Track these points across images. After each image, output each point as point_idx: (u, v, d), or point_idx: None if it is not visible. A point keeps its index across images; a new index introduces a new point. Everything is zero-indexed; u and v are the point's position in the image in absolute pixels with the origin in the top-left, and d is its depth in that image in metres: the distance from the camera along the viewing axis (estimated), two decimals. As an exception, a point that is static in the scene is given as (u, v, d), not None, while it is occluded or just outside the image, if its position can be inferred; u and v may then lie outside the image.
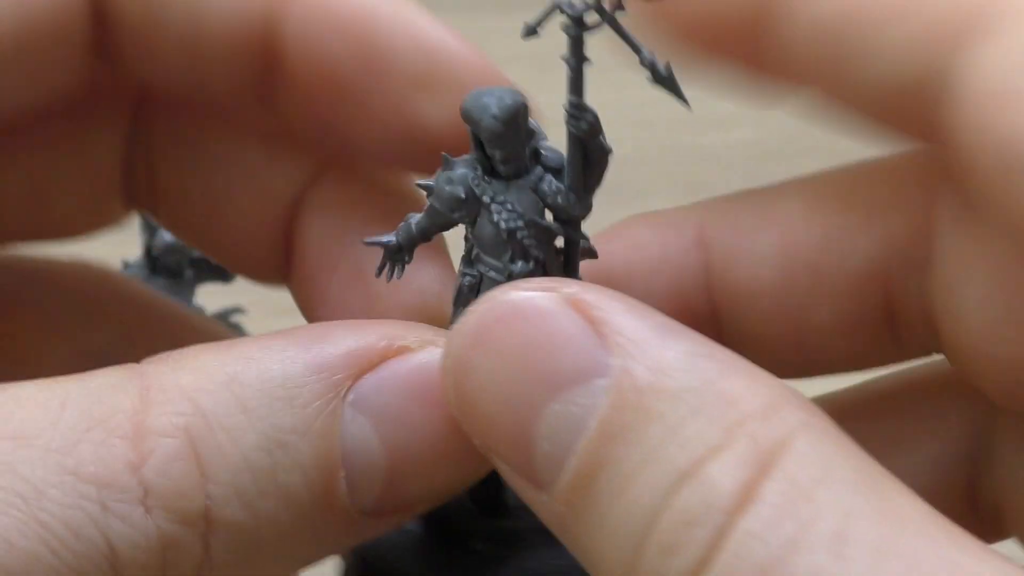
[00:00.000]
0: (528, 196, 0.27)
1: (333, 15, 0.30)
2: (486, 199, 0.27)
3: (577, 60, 0.27)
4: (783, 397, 0.23)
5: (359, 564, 0.31)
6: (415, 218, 0.28)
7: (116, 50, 0.33)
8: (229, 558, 0.23)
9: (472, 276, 0.28)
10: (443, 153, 0.28)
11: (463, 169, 0.28)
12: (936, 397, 0.32)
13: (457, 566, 0.29)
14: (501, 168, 0.27)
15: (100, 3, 0.32)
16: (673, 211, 0.32)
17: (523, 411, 0.24)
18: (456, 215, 0.29)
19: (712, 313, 0.31)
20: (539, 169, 0.28)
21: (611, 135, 0.32)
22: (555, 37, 0.78)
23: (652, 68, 0.27)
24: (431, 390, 0.26)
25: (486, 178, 0.28)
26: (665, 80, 0.27)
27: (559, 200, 0.27)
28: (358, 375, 0.25)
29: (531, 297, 0.25)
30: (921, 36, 0.26)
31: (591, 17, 0.27)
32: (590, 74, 0.29)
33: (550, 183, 0.28)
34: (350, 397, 0.25)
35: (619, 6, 0.26)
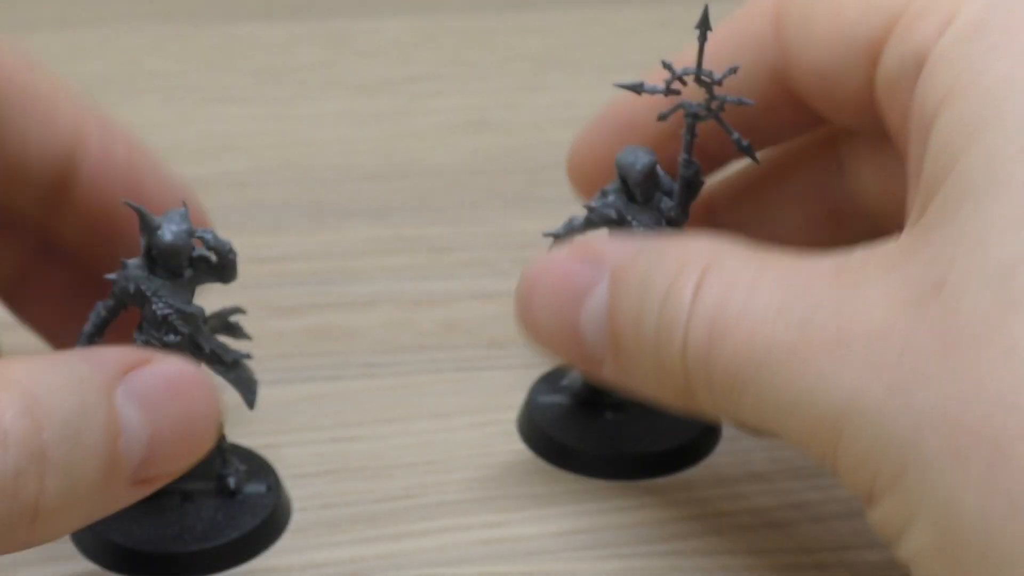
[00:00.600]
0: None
1: (114, 166, 0.41)
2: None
3: (690, 136, 0.39)
4: (712, 240, 0.35)
5: (528, 425, 0.43)
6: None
7: None
8: (57, 494, 0.31)
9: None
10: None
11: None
12: (805, 149, 0.43)
13: (594, 428, 0.42)
14: (639, 196, 0.39)
15: None
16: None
17: (568, 319, 0.37)
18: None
19: (791, 95, 0.39)
20: (658, 195, 0.39)
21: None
22: (555, 37, 0.78)
23: (739, 146, 0.38)
24: (179, 384, 0.34)
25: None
26: (747, 149, 0.38)
27: (672, 214, 0.39)
28: (127, 370, 0.33)
29: (556, 254, 0.38)
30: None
31: (703, 112, 0.39)
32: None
33: (666, 202, 0.39)
34: (122, 386, 0.33)
35: (722, 108, 0.38)
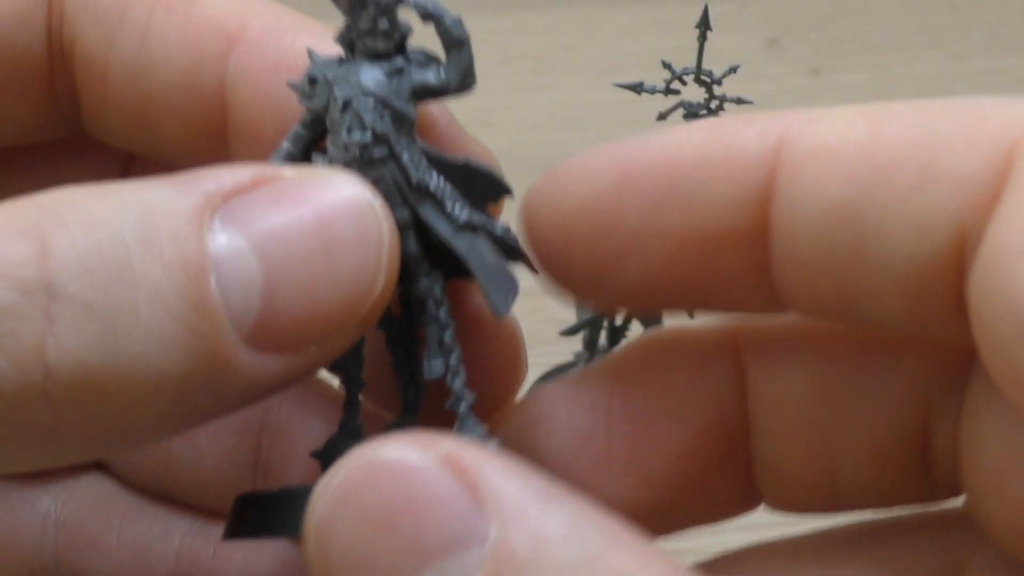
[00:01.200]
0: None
1: (274, 69, 0.30)
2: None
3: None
4: (674, 574, 0.22)
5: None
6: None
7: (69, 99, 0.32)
8: (79, 338, 0.23)
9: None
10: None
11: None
12: (890, 351, 0.29)
13: None
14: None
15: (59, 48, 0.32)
16: (704, 323, 0.30)
17: None
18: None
19: (746, 431, 0.29)
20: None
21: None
22: (555, 37, 0.78)
23: None
24: (307, 203, 0.25)
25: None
26: None
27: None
28: (229, 196, 0.25)
29: (401, 455, 0.23)
30: (952, 200, 0.24)
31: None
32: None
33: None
34: (220, 212, 0.24)
35: (721, 107, 0.34)
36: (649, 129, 0.44)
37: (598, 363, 0.30)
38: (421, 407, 0.29)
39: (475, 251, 0.28)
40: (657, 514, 0.29)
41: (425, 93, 0.28)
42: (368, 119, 0.27)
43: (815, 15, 0.81)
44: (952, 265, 0.24)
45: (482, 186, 0.29)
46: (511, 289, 0.28)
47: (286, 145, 0.29)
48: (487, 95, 0.69)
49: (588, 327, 0.41)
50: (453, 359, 0.28)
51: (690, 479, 0.29)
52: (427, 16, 0.28)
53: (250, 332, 0.24)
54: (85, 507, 0.33)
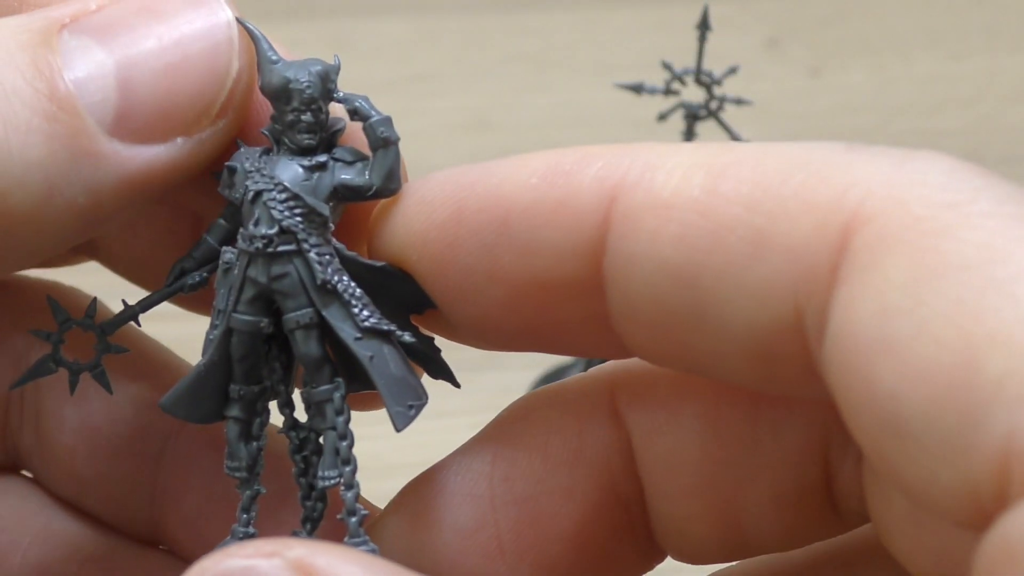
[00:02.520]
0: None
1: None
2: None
3: (690, 136, 0.34)
4: None
5: None
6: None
7: None
8: None
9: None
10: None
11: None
12: (781, 397, 0.28)
13: None
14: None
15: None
16: (578, 382, 0.30)
17: None
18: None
19: (640, 494, 0.29)
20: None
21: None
22: (555, 37, 0.78)
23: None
24: (153, 5, 0.27)
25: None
26: None
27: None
28: (76, 17, 0.27)
29: (250, 564, 0.22)
30: (787, 273, 0.24)
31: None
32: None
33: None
34: (68, 27, 0.26)
35: (721, 107, 0.33)
36: (649, 129, 0.44)
37: (475, 440, 0.29)
38: (322, 519, 0.29)
39: (379, 359, 0.27)
40: None
41: (347, 192, 0.28)
42: (276, 213, 0.27)
43: (815, 15, 0.81)
44: (794, 335, 0.24)
45: (405, 295, 0.28)
46: (415, 401, 0.28)
47: (206, 236, 0.29)
48: (487, 95, 0.69)
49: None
50: (347, 472, 0.28)
51: (588, 554, 0.28)
52: (354, 114, 0.27)
53: (111, 122, 0.26)
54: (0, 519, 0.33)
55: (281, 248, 0.27)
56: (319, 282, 0.27)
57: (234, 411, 0.28)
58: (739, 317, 0.24)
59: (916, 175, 0.23)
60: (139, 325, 0.29)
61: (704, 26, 0.37)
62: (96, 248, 0.33)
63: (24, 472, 0.34)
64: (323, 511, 0.29)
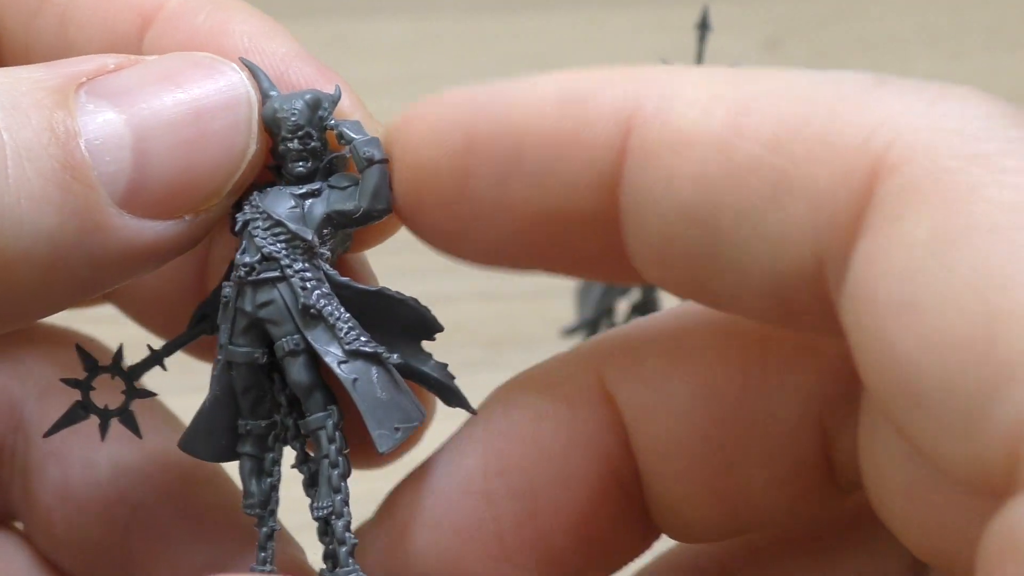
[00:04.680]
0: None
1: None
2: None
3: None
4: None
5: None
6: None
7: None
8: None
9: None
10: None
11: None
12: (774, 371, 0.28)
13: None
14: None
15: None
16: (562, 364, 0.29)
17: None
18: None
19: (637, 473, 0.28)
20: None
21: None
22: (555, 38, 0.78)
23: None
24: (174, 75, 0.26)
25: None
26: None
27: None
28: (94, 75, 0.26)
29: None
30: (809, 221, 0.23)
31: None
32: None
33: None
34: (85, 87, 0.25)
35: None
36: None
37: (461, 436, 0.29)
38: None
39: (364, 382, 0.27)
40: None
41: (339, 218, 0.28)
42: (259, 240, 0.27)
43: (815, 15, 0.81)
44: (813, 282, 0.24)
45: (412, 320, 0.28)
46: (403, 423, 0.27)
47: (224, 281, 0.28)
48: (487, 95, 0.69)
49: (588, 327, 0.41)
50: (337, 501, 0.28)
51: (590, 542, 0.28)
52: (341, 138, 0.28)
53: (123, 194, 0.25)
54: None
55: (264, 275, 0.27)
56: (300, 306, 0.27)
57: (245, 447, 0.28)
58: (757, 261, 0.24)
59: (948, 120, 0.22)
60: (165, 369, 0.29)
61: (704, 26, 0.37)
62: (111, 292, 0.33)
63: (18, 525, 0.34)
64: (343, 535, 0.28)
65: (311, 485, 0.28)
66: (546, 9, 0.81)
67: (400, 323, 0.28)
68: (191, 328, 0.29)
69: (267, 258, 0.27)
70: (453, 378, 0.29)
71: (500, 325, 0.48)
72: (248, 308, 0.28)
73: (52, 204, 0.24)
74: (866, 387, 0.23)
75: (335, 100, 0.28)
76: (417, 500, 0.28)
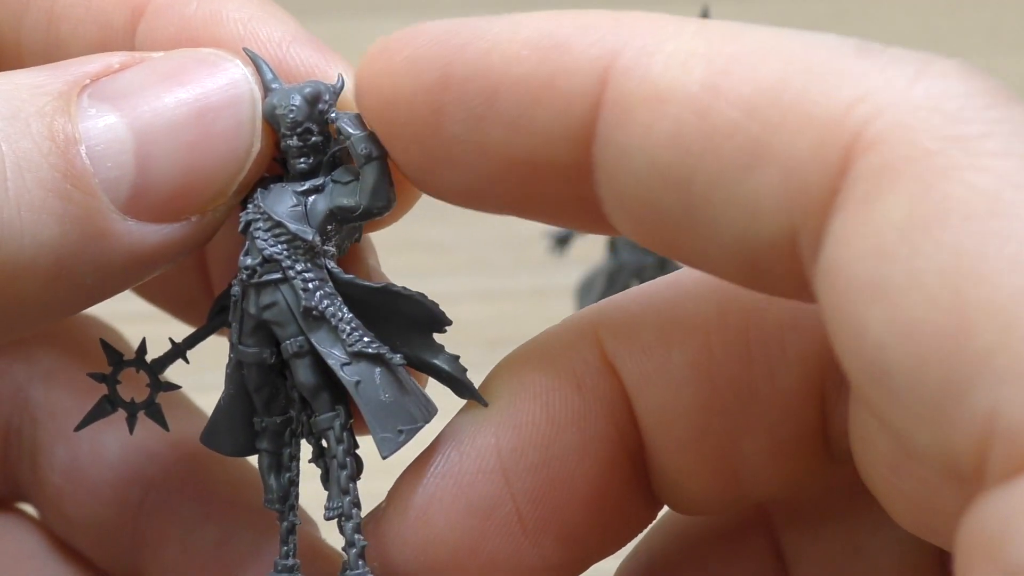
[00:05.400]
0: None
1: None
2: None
3: None
4: None
5: None
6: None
7: None
8: None
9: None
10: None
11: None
12: (774, 344, 0.27)
13: None
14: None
15: None
16: (559, 336, 0.29)
17: None
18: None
19: (642, 443, 0.28)
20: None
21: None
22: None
23: None
24: (176, 75, 0.26)
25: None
26: None
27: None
28: (97, 77, 0.26)
29: None
30: (782, 191, 0.23)
31: None
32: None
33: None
34: (88, 91, 0.25)
35: None
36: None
37: (465, 417, 0.28)
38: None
39: (367, 384, 0.27)
40: (577, 563, 0.28)
41: (342, 214, 0.27)
42: (260, 242, 0.27)
43: (815, 15, 0.81)
44: (787, 251, 0.23)
45: (418, 314, 0.28)
46: (408, 425, 0.27)
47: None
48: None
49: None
50: (346, 503, 0.28)
51: (603, 514, 0.28)
52: (339, 133, 0.27)
53: (126, 200, 0.25)
54: None
55: (266, 277, 0.27)
56: (302, 309, 0.27)
57: (263, 443, 0.29)
58: (730, 226, 0.23)
59: (930, 97, 0.22)
60: (187, 362, 0.29)
61: (704, 25, 0.37)
62: None
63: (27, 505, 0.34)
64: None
65: (327, 480, 0.28)
66: (545, 9, 0.81)
67: (408, 318, 0.28)
68: (211, 320, 0.29)
69: (268, 260, 0.27)
70: (465, 371, 0.29)
71: (500, 325, 0.48)
72: (253, 310, 0.27)
73: (53, 214, 0.24)
74: (840, 365, 0.23)
75: (337, 91, 0.27)
76: (432, 483, 0.28)
